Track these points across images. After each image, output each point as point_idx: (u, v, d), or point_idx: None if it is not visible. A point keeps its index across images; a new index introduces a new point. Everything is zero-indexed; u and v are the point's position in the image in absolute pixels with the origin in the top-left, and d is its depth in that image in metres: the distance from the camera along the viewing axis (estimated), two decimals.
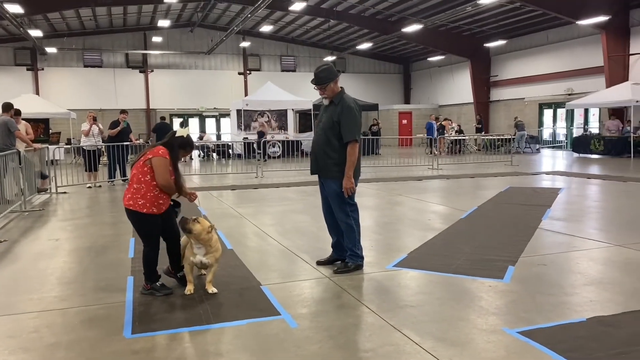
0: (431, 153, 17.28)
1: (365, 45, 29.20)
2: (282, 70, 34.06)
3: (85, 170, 12.77)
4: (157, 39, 30.40)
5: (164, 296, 4.31)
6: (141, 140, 17.85)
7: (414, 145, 29.39)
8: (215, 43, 29.81)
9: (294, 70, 34.19)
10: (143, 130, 30.27)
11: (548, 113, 26.68)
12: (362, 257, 5.03)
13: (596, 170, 14.72)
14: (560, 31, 24.65)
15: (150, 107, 31.49)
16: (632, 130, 19.05)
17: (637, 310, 3.80)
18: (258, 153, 15.65)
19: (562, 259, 5.25)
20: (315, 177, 5.12)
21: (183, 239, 4.57)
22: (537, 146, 24.05)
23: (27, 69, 29.48)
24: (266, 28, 28.27)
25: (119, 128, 12.89)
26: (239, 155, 21.42)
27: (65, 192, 11.40)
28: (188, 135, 4.57)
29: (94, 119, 12.87)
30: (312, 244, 6.14)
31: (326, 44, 33.54)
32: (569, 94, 23.93)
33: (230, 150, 21.64)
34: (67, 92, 29.33)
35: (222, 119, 32.92)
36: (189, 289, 4.37)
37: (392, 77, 36.88)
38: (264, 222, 7.56)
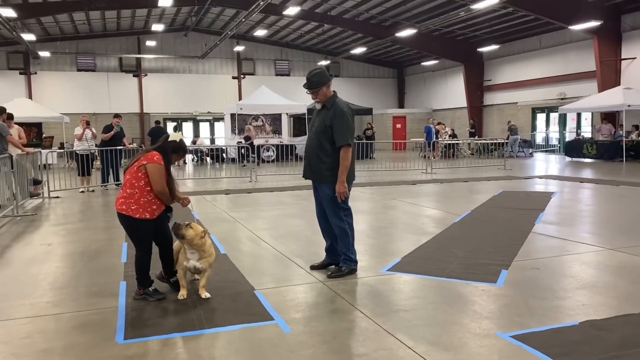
0: (429, 157, 17.33)
1: (359, 50, 29.29)
2: (276, 75, 34.11)
3: (78, 175, 12.70)
4: (150, 43, 30.37)
5: (157, 301, 4.29)
6: (134, 145, 17.79)
7: (407, 150, 29.46)
8: (209, 47, 29.82)
9: (288, 75, 34.25)
10: (137, 134, 30.22)
11: (541, 117, 26.85)
12: (355, 262, 5.03)
13: (589, 174, 14.80)
14: (552, 36, 24.84)
15: (144, 112, 31.44)
16: (624, 135, 19.18)
17: (630, 314, 3.82)
18: (252, 157, 15.63)
19: (555, 263, 5.27)
20: (309, 181, 5.11)
21: (176, 243, 4.55)
22: (530, 150, 24.16)
23: (20, 73, 29.38)
24: (260, 32, 28.32)
25: (112, 132, 12.85)
26: (233, 160, 21.41)
27: (58, 197, 11.34)
28: (181, 140, 4.54)
29: (87, 123, 12.82)
30: (306, 248, 6.14)
31: (320, 49, 33.63)
32: (562, 99, 24.09)
33: (224, 155, 21.62)
34: (60, 96, 29.23)
35: (216, 123, 32.90)
36: (182, 294, 4.35)
37: (386, 82, 37.00)
38: (258, 227, 7.54)
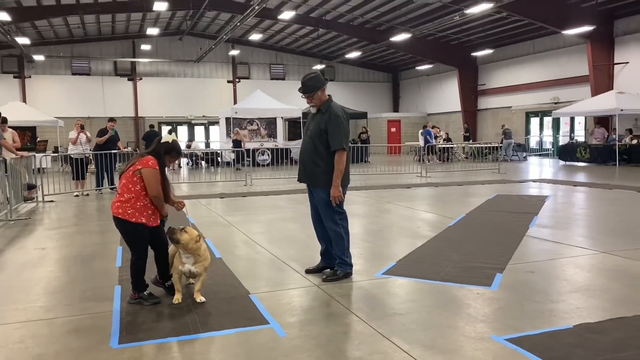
0: (427, 161, 17.42)
1: (354, 54, 29.37)
2: (272, 79, 34.12)
3: (73, 179, 12.65)
4: (145, 47, 30.33)
5: (152, 305, 4.28)
6: (129, 148, 17.75)
7: (402, 153, 29.53)
8: (204, 51, 29.81)
9: (283, 79, 34.27)
10: (131, 138, 30.14)
11: (535, 121, 26.98)
12: (351, 265, 5.03)
13: (582, 177, 14.88)
14: (546, 41, 24.99)
15: (139, 115, 31.37)
16: (617, 139, 19.31)
17: (623, 317, 3.84)
18: (247, 161, 15.62)
19: (549, 266, 5.30)
20: (304, 185, 5.12)
21: (171, 247, 4.54)
22: (524, 154, 24.27)
23: (14, 77, 29.26)
24: (255, 36, 28.33)
25: (107, 136, 12.82)
26: (228, 163, 21.39)
27: (52, 201, 11.29)
28: (174, 141, 4.50)
29: (82, 127, 12.79)
30: (301, 252, 6.13)
31: (315, 53, 33.69)
32: (555, 103, 24.22)
33: (219, 158, 21.59)
34: (54, 100, 29.13)
35: (211, 127, 32.87)
36: (177, 298, 4.34)
37: (380, 86, 37.09)
38: (253, 231, 7.54)
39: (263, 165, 21.76)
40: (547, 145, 26.25)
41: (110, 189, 12.87)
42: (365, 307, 4.18)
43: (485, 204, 9.69)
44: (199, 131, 33.14)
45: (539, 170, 18.29)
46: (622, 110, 18.38)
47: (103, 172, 12.84)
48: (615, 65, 21.40)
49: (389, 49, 29.61)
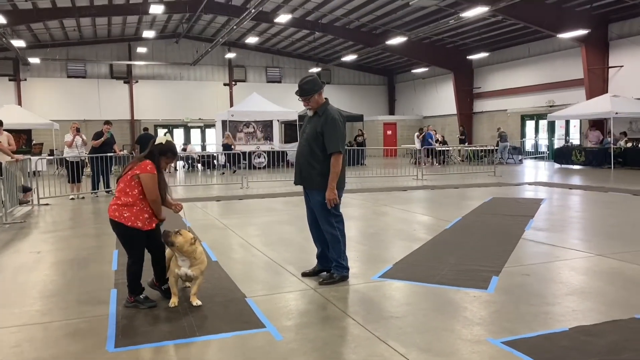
0: (425, 163, 17.45)
1: (350, 57, 29.43)
2: (268, 82, 34.15)
3: (68, 182, 12.62)
4: (141, 49, 30.29)
5: (148, 309, 4.27)
6: (125, 151, 17.72)
7: (398, 156, 29.56)
8: (200, 54, 29.82)
9: (279, 82, 34.30)
10: (127, 141, 30.06)
11: (530, 124, 27.09)
12: (347, 268, 5.03)
13: (577, 180, 14.93)
14: (541, 44, 25.10)
15: (135, 118, 31.31)
16: (611, 142, 19.40)
17: (619, 319, 3.86)
18: (243, 164, 15.62)
19: (544, 269, 5.31)
20: (301, 188, 5.12)
21: (168, 251, 4.53)
22: (520, 157, 24.34)
23: (10, 80, 29.18)
24: (252, 39, 28.36)
25: (102, 139, 12.79)
26: (224, 166, 21.36)
27: (47, 204, 11.24)
28: (168, 141, 4.43)
29: (78, 130, 12.77)
30: (298, 255, 6.13)
31: (311, 56, 33.74)
32: (550, 106, 24.32)
33: (215, 161, 21.57)
34: (50, 103, 29.06)
35: (207, 130, 32.83)
36: (173, 301, 4.33)
37: (376, 89, 37.18)
38: (249, 233, 7.53)
39: (259, 168, 21.75)
40: (543, 148, 26.34)
41: (106, 191, 12.83)
42: (361, 310, 4.18)
43: (481, 207, 9.71)
44: (195, 134, 33.12)
45: (535, 173, 18.35)
46: (616, 113, 18.48)
47: (99, 175, 12.79)
48: (609, 69, 21.52)
49: (384, 52, 29.68)
